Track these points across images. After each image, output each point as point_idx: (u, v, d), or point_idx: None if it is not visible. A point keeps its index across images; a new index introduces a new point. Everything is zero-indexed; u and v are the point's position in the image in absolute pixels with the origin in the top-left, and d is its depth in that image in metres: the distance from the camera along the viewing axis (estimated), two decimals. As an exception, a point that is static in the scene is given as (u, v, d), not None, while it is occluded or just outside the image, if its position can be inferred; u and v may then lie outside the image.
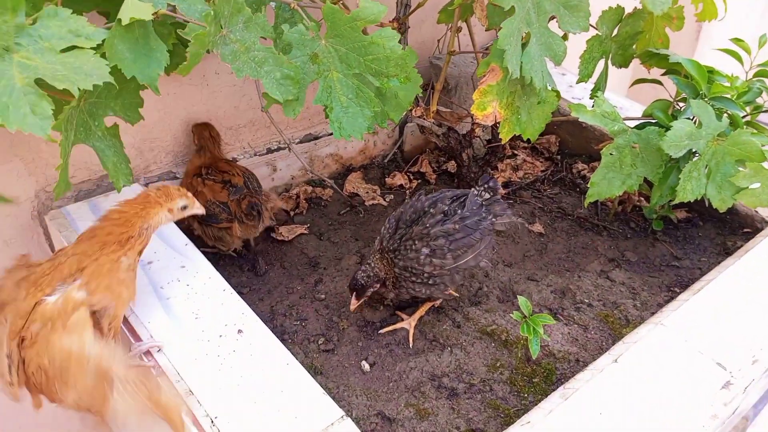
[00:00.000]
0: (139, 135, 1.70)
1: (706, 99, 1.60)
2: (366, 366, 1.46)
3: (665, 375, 1.27)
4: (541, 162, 2.24)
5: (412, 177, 2.16)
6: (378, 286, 1.47)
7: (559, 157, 2.26)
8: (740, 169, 1.53)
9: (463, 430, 1.31)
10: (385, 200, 2.04)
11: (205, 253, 1.51)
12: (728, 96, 1.62)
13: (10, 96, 0.90)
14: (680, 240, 1.89)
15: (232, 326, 1.30)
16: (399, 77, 1.30)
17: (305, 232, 1.87)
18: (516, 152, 2.26)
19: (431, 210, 1.46)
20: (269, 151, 1.96)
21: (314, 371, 1.44)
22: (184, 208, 1.29)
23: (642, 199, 2.02)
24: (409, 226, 1.45)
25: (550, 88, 1.49)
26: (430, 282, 1.44)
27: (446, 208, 1.46)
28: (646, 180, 1.63)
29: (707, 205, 1.57)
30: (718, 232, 1.91)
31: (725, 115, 1.58)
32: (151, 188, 1.27)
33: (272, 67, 1.17)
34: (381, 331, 1.54)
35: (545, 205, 2.05)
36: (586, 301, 1.66)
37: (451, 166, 2.19)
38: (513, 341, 1.51)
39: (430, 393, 1.39)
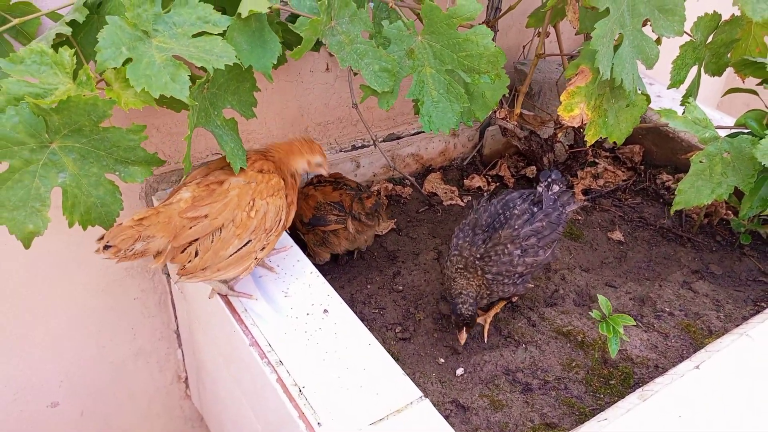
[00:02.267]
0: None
1: (805, 109, 1.55)
2: (440, 358, 1.50)
3: (749, 385, 1.24)
4: (623, 171, 2.21)
5: (490, 180, 2.19)
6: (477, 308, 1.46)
7: (642, 167, 2.23)
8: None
9: (537, 424, 1.32)
10: (462, 201, 2.08)
11: (294, 239, 1.59)
12: (830, 107, 1.56)
13: (152, 70, 1.00)
14: (769, 256, 1.83)
15: (318, 306, 1.38)
16: (490, 74, 1.34)
17: (394, 227, 1.93)
18: (597, 160, 2.25)
19: (508, 212, 1.50)
20: (354, 147, 2.04)
21: (391, 357, 1.49)
22: (319, 165, 1.45)
23: (730, 212, 1.96)
24: (487, 231, 1.49)
25: (640, 91, 1.49)
26: (518, 282, 1.48)
27: (526, 207, 1.50)
28: (736, 193, 1.59)
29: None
30: (811, 249, 1.84)
31: (825, 126, 1.52)
32: (295, 138, 1.43)
33: (371, 60, 1.25)
34: (457, 324, 1.58)
35: (626, 214, 2.03)
36: (667, 309, 1.63)
37: (530, 171, 2.20)
38: (590, 343, 1.51)
39: (504, 386, 1.41)
